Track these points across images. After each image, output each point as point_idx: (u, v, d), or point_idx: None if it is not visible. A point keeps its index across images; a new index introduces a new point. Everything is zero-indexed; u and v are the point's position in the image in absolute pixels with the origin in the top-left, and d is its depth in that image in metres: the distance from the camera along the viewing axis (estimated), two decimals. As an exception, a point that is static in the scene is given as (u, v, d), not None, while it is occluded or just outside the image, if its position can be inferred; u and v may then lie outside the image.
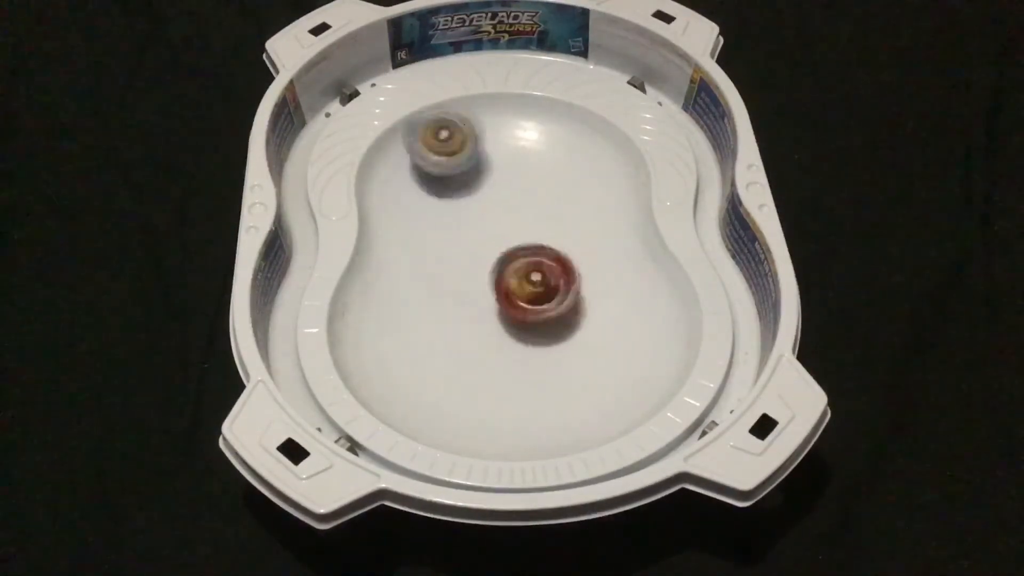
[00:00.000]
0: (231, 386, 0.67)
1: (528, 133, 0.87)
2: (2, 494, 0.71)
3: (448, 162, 0.81)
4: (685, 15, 0.86)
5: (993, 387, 0.75)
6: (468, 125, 0.82)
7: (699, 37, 0.85)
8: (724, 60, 0.84)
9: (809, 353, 0.68)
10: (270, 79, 0.83)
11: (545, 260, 0.75)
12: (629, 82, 0.88)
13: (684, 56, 0.84)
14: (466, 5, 0.87)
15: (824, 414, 0.65)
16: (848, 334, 0.78)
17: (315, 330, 0.72)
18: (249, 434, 0.64)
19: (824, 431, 0.65)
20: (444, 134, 0.81)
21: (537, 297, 0.74)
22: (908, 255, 0.82)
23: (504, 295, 0.74)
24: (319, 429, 0.66)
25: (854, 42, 0.97)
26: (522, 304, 0.74)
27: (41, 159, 0.89)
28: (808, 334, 0.70)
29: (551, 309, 0.73)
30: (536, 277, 0.74)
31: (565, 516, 0.62)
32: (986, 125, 0.90)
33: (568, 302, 0.74)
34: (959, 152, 0.88)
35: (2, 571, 0.68)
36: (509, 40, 0.90)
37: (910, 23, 0.98)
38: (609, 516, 0.63)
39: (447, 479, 0.64)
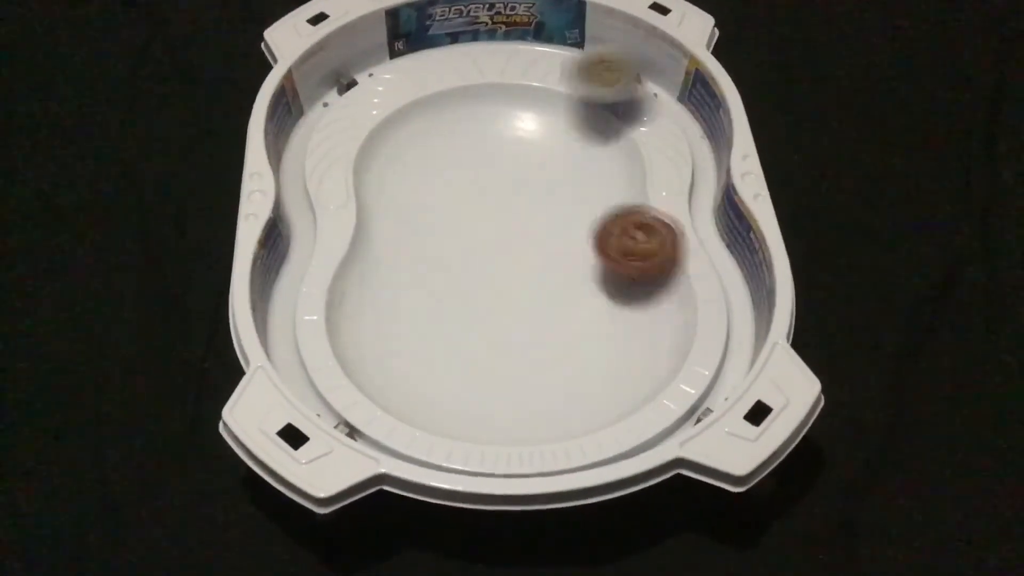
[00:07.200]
0: (231, 384, 0.67)
1: (525, 124, 0.87)
2: (2, 491, 0.71)
3: (610, 91, 0.83)
4: (681, 7, 0.86)
5: (992, 386, 0.75)
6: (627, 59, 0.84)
7: (695, 29, 0.85)
8: (720, 52, 0.84)
9: (808, 351, 0.68)
10: (268, 74, 0.83)
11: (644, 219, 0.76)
12: (625, 73, 0.88)
13: (680, 47, 0.84)
14: (463, -4, 0.88)
15: (818, 400, 0.66)
16: (846, 332, 0.78)
17: (314, 317, 0.72)
18: (249, 419, 0.65)
19: (821, 425, 0.66)
20: (603, 67, 0.84)
21: (641, 252, 0.75)
22: (908, 254, 0.82)
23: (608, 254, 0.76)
24: (318, 415, 0.66)
25: (852, 37, 0.97)
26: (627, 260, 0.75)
27: (41, 159, 0.89)
28: (806, 331, 0.70)
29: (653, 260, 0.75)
30: (639, 235, 0.75)
31: (562, 501, 0.63)
32: (986, 125, 0.90)
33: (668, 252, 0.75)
34: (959, 151, 0.89)
35: (2, 569, 0.68)
36: (506, 31, 0.90)
37: (910, 20, 0.99)
38: (606, 501, 0.63)
39: (445, 464, 0.64)
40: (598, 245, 0.76)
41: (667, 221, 0.76)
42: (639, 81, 0.85)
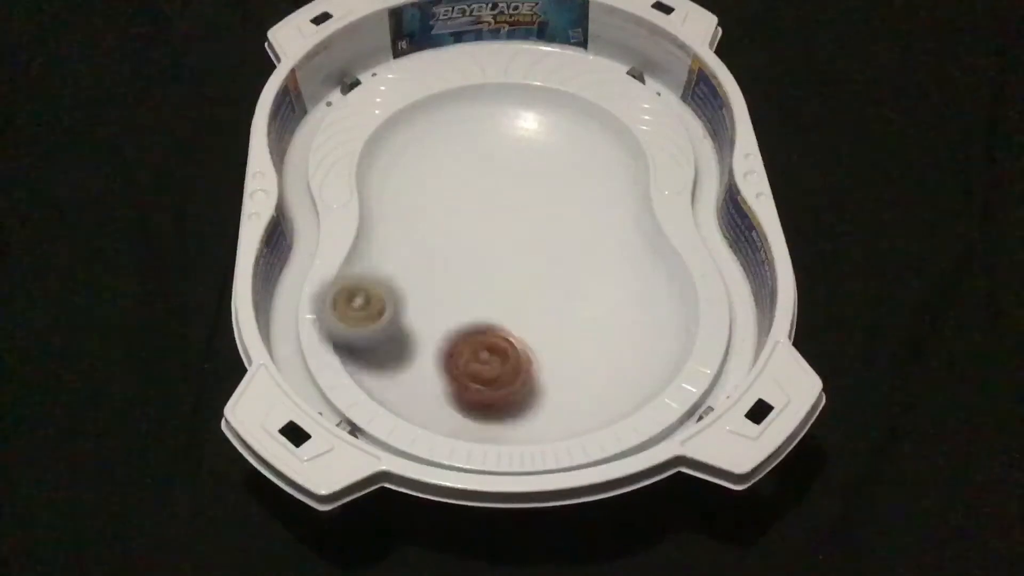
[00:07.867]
0: (231, 384, 0.67)
1: (528, 123, 0.87)
2: (3, 491, 0.71)
3: (366, 330, 0.71)
4: (684, 6, 0.87)
5: (993, 386, 0.75)
6: (384, 288, 0.72)
7: (698, 28, 0.85)
8: (723, 51, 0.84)
9: (809, 350, 0.68)
10: (272, 73, 0.83)
11: (496, 340, 0.71)
12: (628, 72, 0.88)
13: (683, 47, 0.84)
14: (466, -5, 0.88)
15: (819, 399, 0.66)
16: (847, 331, 0.78)
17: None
18: (251, 417, 0.65)
19: (822, 425, 0.66)
20: (359, 301, 0.71)
21: (492, 378, 0.70)
22: (908, 254, 0.82)
23: (457, 377, 0.71)
24: (320, 413, 0.66)
25: (853, 36, 0.98)
26: (475, 386, 0.70)
27: (41, 159, 0.89)
28: (807, 331, 0.70)
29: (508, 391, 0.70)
30: (485, 355, 0.71)
31: (563, 498, 0.63)
32: (986, 125, 0.90)
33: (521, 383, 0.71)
34: (959, 151, 0.89)
35: (4, 570, 0.68)
36: (509, 30, 0.90)
37: (911, 20, 0.99)
38: (607, 499, 0.63)
39: (446, 462, 0.65)
40: (445, 365, 0.71)
41: (516, 344, 0.71)
42: (401, 313, 0.72)
